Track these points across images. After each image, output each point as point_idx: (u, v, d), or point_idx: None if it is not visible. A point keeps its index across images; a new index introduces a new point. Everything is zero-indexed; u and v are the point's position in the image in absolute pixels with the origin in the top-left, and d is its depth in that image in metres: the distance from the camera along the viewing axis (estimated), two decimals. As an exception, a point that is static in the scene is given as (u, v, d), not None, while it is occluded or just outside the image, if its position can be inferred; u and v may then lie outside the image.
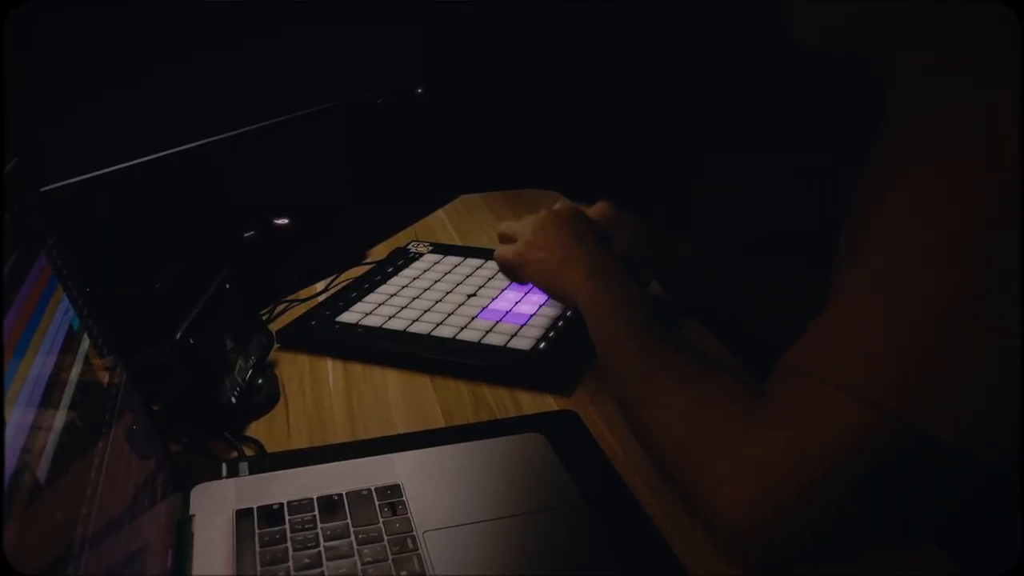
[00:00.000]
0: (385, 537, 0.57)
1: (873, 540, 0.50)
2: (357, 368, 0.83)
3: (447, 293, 0.95)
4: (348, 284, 0.99)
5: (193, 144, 0.88)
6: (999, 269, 0.45)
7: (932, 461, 0.47)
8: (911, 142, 0.51)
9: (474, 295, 0.94)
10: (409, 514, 0.59)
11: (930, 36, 0.53)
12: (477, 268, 1.02)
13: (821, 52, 0.59)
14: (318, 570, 0.54)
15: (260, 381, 0.77)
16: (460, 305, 0.92)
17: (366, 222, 1.23)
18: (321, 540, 0.56)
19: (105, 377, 0.52)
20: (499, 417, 0.74)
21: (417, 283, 0.99)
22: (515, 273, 0.82)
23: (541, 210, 0.82)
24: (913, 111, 0.53)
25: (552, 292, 0.78)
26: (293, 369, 0.83)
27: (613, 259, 0.75)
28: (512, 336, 0.84)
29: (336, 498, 0.60)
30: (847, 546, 0.51)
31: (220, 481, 0.64)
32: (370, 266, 1.06)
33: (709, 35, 1.23)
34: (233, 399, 0.72)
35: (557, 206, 0.84)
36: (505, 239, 0.84)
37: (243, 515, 0.59)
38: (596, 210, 0.88)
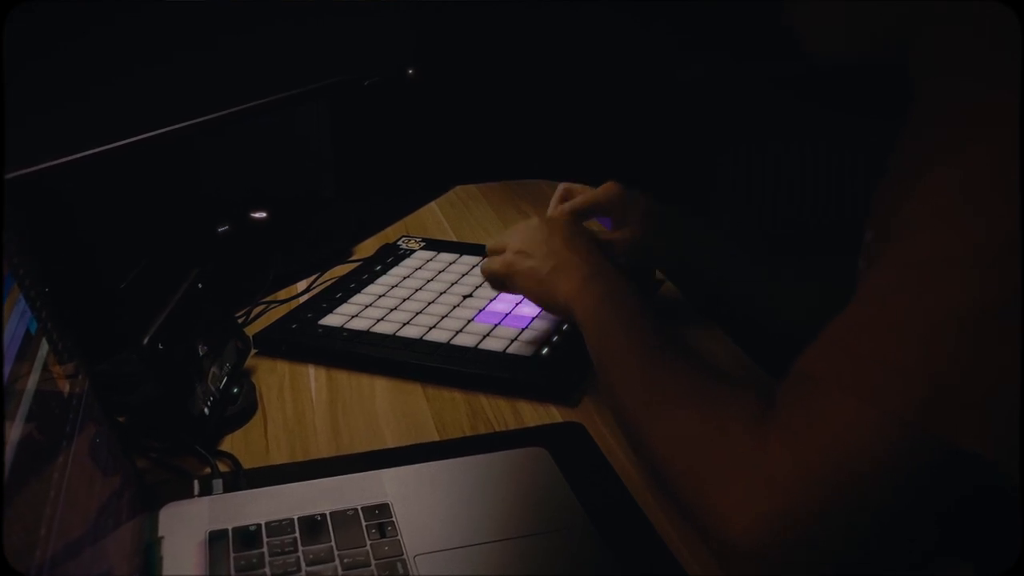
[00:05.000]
0: (373, 561, 0.57)
1: (891, 556, 0.51)
2: (342, 376, 0.83)
3: (441, 294, 0.95)
4: (332, 284, 1.00)
5: (162, 130, 0.88)
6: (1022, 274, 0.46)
7: (950, 472, 0.48)
8: (932, 142, 0.53)
9: (470, 296, 0.94)
10: (399, 536, 0.59)
11: (946, 36, 0.55)
12: (473, 266, 1.02)
13: (838, 59, 0.62)
14: (299, 597, 0.54)
15: (236, 390, 0.77)
16: (455, 307, 0.92)
17: (352, 215, 1.23)
18: (303, 565, 0.56)
19: (66, 386, 0.52)
20: (498, 430, 0.74)
21: (408, 283, 0.99)
22: (503, 284, 0.83)
23: (532, 218, 0.84)
24: (932, 111, 0.55)
25: (544, 302, 0.79)
26: (272, 377, 0.83)
27: (610, 265, 0.76)
28: (512, 341, 0.84)
29: (319, 518, 0.60)
30: (866, 565, 0.51)
31: (192, 500, 0.64)
32: (356, 264, 1.06)
33: (724, 23, 1.24)
34: (206, 410, 0.72)
35: (553, 200, 0.85)
36: (493, 252, 0.85)
37: (217, 537, 0.59)
38: (603, 190, 0.89)
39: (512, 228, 0.84)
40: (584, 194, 0.90)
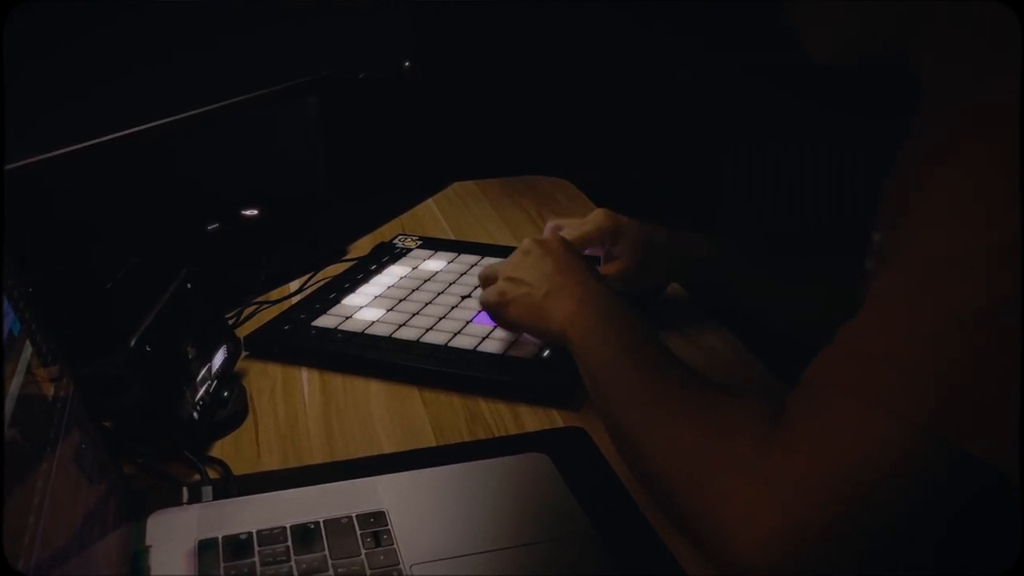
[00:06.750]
0: (368, 571, 0.56)
1: (894, 560, 0.51)
2: (336, 379, 0.83)
3: (438, 294, 0.95)
4: (326, 284, 0.99)
5: (150, 124, 0.88)
6: None
7: (956, 474, 0.48)
8: (932, 143, 0.54)
9: (469, 296, 0.94)
10: (395, 545, 0.59)
11: (946, 36, 0.56)
12: (472, 266, 1.02)
13: (838, 60, 0.63)
14: (292, 609, 0.54)
15: (226, 394, 0.77)
16: (453, 307, 0.91)
17: (346, 213, 1.22)
18: (296, 574, 0.56)
19: (50, 389, 0.51)
20: (497, 434, 0.74)
21: (404, 282, 0.98)
22: (499, 316, 0.82)
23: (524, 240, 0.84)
24: (932, 111, 0.56)
25: (538, 330, 0.78)
26: (263, 380, 0.83)
27: (605, 286, 0.76)
28: (512, 343, 0.83)
29: (312, 527, 0.60)
30: (869, 568, 0.51)
31: (180, 508, 0.64)
32: (351, 263, 1.06)
33: (724, 23, 1.25)
34: (195, 414, 0.71)
35: (543, 235, 0.86)
36: (487, 282, 0.84)
37: (206, 546, 0.58)
38: (592, 223, 0.89)
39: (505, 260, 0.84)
40: (573, 228, 0.90)
